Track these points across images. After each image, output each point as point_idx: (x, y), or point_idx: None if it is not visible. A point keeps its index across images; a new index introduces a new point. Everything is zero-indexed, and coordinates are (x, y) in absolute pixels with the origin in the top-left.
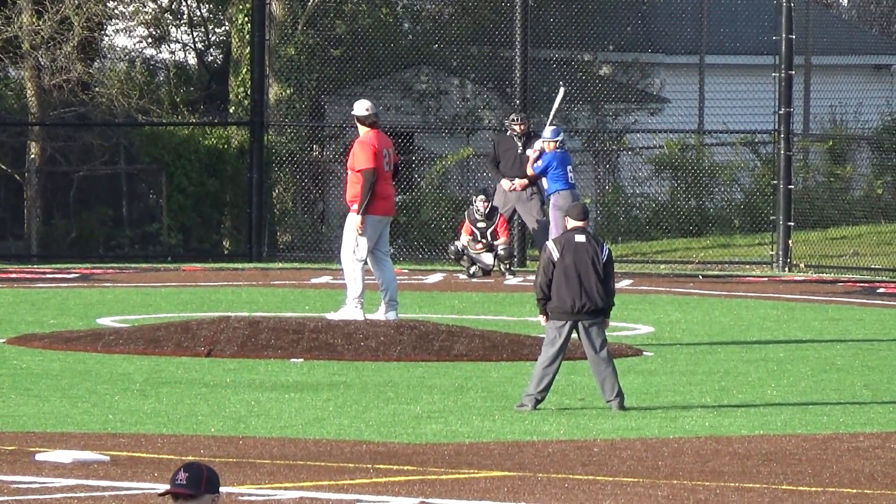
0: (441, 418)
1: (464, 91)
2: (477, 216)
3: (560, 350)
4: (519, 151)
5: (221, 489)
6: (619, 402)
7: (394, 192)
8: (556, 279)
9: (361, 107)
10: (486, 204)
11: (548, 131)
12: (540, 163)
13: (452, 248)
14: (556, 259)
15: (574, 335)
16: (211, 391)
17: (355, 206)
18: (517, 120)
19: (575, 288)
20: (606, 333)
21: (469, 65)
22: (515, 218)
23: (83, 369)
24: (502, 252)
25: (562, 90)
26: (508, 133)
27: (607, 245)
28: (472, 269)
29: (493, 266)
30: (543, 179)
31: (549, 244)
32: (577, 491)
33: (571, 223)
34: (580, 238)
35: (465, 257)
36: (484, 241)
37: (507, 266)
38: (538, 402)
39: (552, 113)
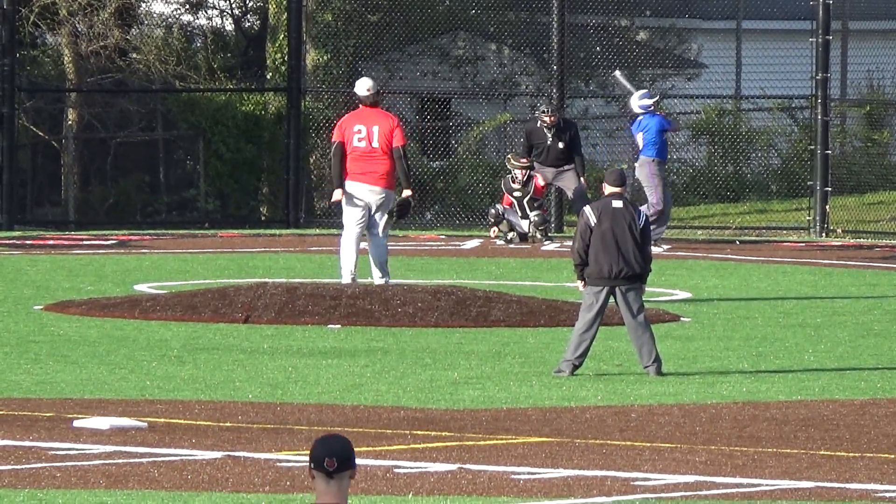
0: (479, 384)
1: (501, 57)
2: (513, 185)
3: (597, 315)
4: (549, 143)
5: (259, 455)
6: (656, 368)
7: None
8: (594, 245)
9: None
10: (522, 172)
11: (640, 97)
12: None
13: (493, 210)
14: (593, 224)
15: (611, 301)
16: (248, 357)
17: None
18: (547, 111)
19: (612, 253)
20: (644, 299)
21: (506, 30)
22: (552, 188)
23: (120, 336)
24: (536, 219)
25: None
26: (539, 124)
27: (644, 210)
28: (510, 234)
29: (529, 233)
30: (639, 138)
31: (587, 210)
32: (615, 456)
33: (608, 189)
34: (617, 203)
35: (504, 220)
36: (521, 208)
37: (543, 232)
38: (575, 367)
39: (628, 87)
